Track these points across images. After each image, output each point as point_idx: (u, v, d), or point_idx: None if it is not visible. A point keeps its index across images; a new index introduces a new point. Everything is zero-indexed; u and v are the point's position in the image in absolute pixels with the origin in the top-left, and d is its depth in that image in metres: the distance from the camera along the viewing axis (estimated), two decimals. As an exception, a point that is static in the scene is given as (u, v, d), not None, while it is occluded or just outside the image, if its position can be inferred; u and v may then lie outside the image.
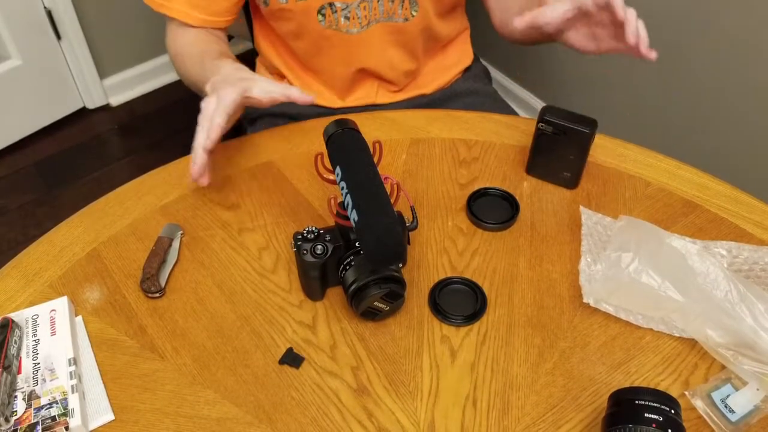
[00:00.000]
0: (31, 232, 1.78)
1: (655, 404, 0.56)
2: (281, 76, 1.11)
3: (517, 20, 0.77)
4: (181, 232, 0.79)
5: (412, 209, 0.73)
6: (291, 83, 1.09)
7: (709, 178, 0.87)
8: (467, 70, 1.16)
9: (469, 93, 1.14)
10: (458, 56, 1.14)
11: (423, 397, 0.65)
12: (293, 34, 1.01)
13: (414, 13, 0.98)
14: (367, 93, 1.08)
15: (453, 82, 1.14)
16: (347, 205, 0.64)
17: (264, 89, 0.78)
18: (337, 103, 1.09)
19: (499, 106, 1.16)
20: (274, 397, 0.65)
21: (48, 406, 0.62)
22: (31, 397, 0.62)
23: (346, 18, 0.96)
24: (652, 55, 0.74)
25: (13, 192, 1.88)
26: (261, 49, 1.11)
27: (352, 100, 1.09)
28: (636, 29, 0.72)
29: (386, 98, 1.10)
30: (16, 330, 0.67)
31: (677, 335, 0.70)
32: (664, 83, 1.58)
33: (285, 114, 1.11)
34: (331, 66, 1.04)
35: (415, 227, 0.73)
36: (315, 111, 1.09)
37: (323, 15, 0.95)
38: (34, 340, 0.67)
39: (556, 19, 0.76)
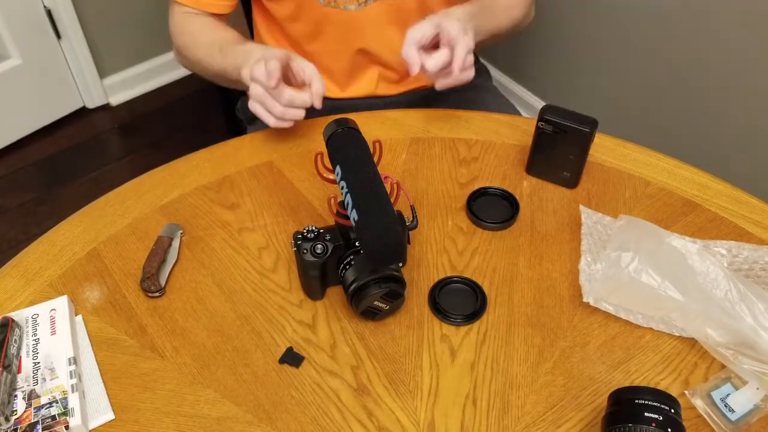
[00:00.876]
0: (31, 231, 1.78)
1: (654, 403, 0.56)
2: None
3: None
4: (181, 231, 0.79)
5: (412, 208, 0.73)
6: None
7: (709, 177, 0.87)
8: None
9: (469, 87, 1.14)
10: None
11: (423, 397, 0.65)
12: (292, 15, 1.00)
13: None
14: (367, 83, 1.08)
15: None
16: (347, 204, 0.64)
17: (302, 63, 0.85)
18: (337, 94, 1.09)
19: (499, 101, 1.16)
20: (274, 396, 0.65)
21: (48, 405, 0.62)
22: (31, 396, 0.62)
23: None
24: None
25: (13, 191, 1.88)
26: (261, 40, 1.10)
27: (352, 91, 1.09)
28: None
29: (387, 90, 1.09)
30: (16, 329, 0.67)
31: (677, 334, 0.70)
32: (665, 83, 1.58)
33: None
34: (330, 48, 1.03)
35: (415, 226, 0.73)
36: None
37: None
38: (34, 340, 0.67)
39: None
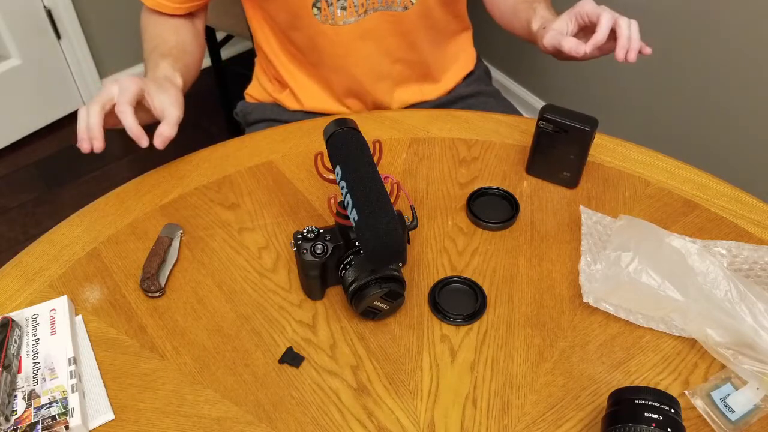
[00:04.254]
0: (31, 231, 1.78)
1: (654, 403, 0.56)
2: (280, 81, 1.10)
3: (547, 40, 0.86)
4: (181, 231, 0.79)
5: (412, 208, 0.73)
6: (291, 89, 1.08)
7: (709, 177, 0.87)
8: (470, 74, 1.16)
9: (471, 95, 1.14)
10: (462, 62, 1.13)
11: (423, 397, 0.65)
12: (290, 24, 0.99)
13: (414, 0, 0.97)
14: (369, 97, 1.07)
15: (455, 87, 1.14)
16: (347, 204, 0.64)
17: (158, 99, 0.80)
18: (336, 108, 1.08)
19: (501, 103, 1.16)
20: (274, 396, 0.65)
21: (48, 405, 0.62)
22: (31, 396, 0.62)
23: (343, 8, 0.95)
24: (647, 50, 0.83)
25: (13, 191, 1.88)
26: (258, 42, 1.09)
27: (354, 106, 1.08)
28: (627, 43, 0.82)
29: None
30: (16, 329, 0.67)
31: (677, 334, 0.70)
32: (664, 82, 1.58)
33: (282, 120, 1.10)
34: (328, 63, 1.02)
35: (415, 226, 0.73)
36: (312, 117, 1.08)
37: (318, 8, 0.94)
38: (34, 340, 0.67)
39: (572, 51, 0.83)
